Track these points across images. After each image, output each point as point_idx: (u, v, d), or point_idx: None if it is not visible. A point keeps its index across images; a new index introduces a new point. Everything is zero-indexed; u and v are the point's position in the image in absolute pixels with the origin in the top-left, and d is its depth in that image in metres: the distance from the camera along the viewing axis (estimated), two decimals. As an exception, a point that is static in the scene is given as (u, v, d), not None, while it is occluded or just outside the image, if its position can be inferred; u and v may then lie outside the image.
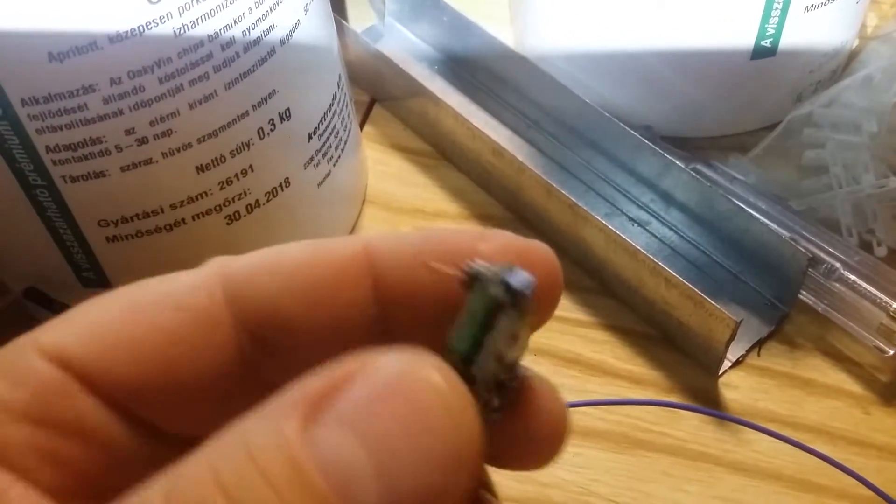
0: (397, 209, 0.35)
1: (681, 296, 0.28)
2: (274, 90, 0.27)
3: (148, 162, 0.25)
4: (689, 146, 0.35)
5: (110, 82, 0.23)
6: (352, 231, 0.35)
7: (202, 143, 0.26)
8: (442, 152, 0.37)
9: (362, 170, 0.36)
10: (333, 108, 0.30)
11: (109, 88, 0.23)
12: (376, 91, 0.39)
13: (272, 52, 0.26)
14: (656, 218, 0.34)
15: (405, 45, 0.41)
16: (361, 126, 0.38)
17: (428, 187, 0.36)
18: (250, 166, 0.27)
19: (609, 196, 0.34)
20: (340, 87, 0.31)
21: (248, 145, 0.27)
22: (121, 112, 0.24)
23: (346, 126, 0.32)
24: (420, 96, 0.36)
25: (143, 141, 0.25)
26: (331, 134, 0.30)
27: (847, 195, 0.32)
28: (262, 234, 0.29)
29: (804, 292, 0.30)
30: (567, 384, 0.30)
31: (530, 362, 0.30)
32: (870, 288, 0.29)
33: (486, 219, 0.35)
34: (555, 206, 0.32)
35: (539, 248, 0.14)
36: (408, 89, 0.37)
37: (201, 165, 0.26)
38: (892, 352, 0.29)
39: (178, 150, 0.25)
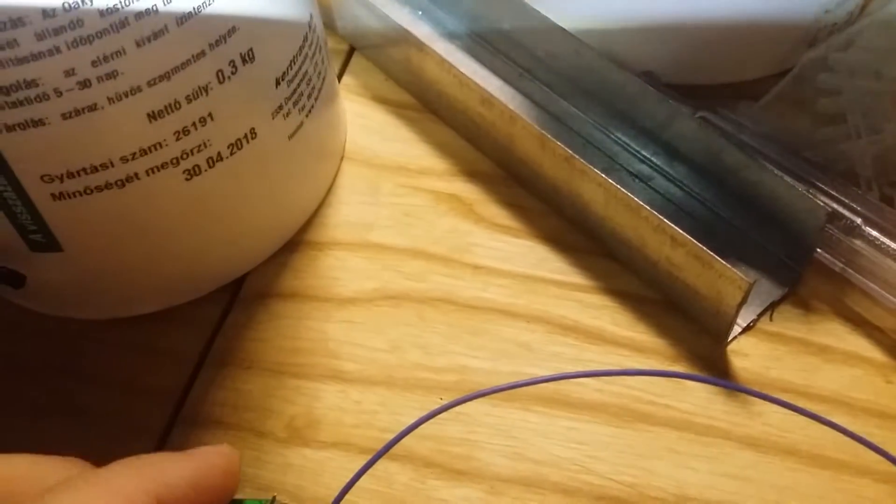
0: (379, 166, 0.33)
1: (688, 255, 0.26)
2: (234, 27, 0.24)
3: (92, 108, 0.22)
4: (695, 94, 0.32)
5: (42, 14, 0.20)
6: (330, 189, 0.32)
7: (153, 87, 0.23)
8: (427, 104, 0.34)
9: (340, 123, 0.33)
10: (304, 52, 0.28)
11: (42, 21, 0.20)
12: (355, 38, 0.37)
13: (230, -17, 0.23)
14: (659, 172, 0.31)
15: (387, -11, 0.38)
16: (339, 76, 0.36)
17: (412, 142, 0.33)
18: (209, 114, 0.25)
19: (607, 149, 0.32)
20: (312, 28, 0.28)
21: (206, 90, 0.24)
22: (58, 50, 0.21)
23: (319, 73, 0.29)
24: (403, 43, 0.33)
25: (85, 84, 0.22)
26: (302, 80, 0.28)
27: (866, 146, 0.30)
28: (227, 190, 0.27)
29: (820, 251, 0.28)
30: (563, 353, 0.27)
31: (523, 330, 0.28)
32: (893, 244, 0.27)
33: (474, 175, 0.32)
34: (549, 160, 0.29)
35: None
36: (389, 35, 0.34)
37: (153, 112, 0.23)
38: (916, 315, 0.26)
39: (126, 95, 0.23)
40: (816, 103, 0.31)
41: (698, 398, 0.26)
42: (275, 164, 0.28)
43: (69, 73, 0.22)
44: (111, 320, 0.29)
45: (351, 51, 0.37)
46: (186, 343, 0.28)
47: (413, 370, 0.27)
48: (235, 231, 0.28)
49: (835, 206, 0.28)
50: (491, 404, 0.26)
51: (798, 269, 0.28)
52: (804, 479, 0.25)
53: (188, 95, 0.24)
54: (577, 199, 0.29)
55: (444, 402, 0.26)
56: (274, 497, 0.23)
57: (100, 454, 0.26)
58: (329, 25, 0.37)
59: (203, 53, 0.23)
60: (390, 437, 0.26)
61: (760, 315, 0.28)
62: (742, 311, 0.27)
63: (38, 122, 0.22)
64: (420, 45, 0.32)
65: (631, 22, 0.32)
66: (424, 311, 0.29)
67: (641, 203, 0.26)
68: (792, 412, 0.26)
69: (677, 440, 0.26)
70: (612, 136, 0.32)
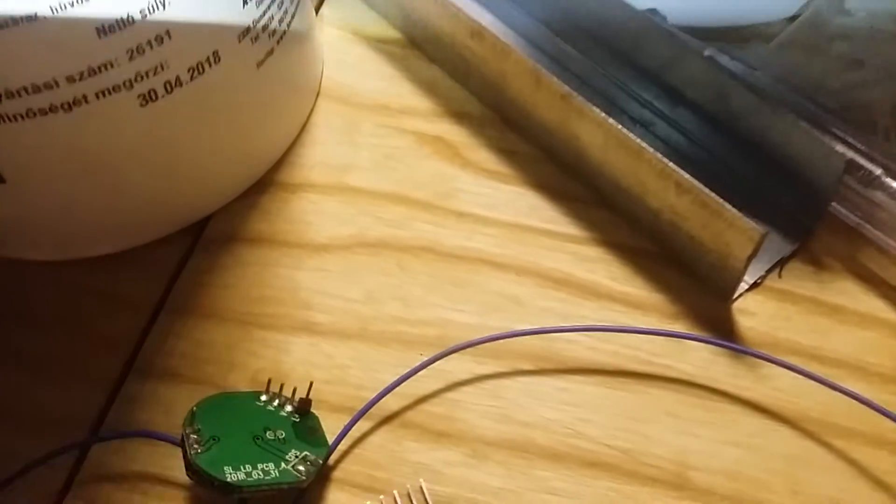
0: (358, 104, 0.30)
1: (693, 203, 0.24)
2: (196, -67, 0.21)
3: (32, 18, 0.20)
4: (700, 36, 0.29)
5: None
6: (304, 126, 0.29)
7: (103, -4, 0.20)
8: (411, 39, 0.32)
9: (315, 55, 0.30)
10: (277, -31, 0.25)
11: (-31, -89, 0.18)
12: (336, -32, 0.34)
13: None
14: (661, 117, 0.29)
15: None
16: (317, 8, 0.33)
17: (394, 80, 0.31)
18: (167, 32, 0.22)
19: (606, 92, 0.29)
20: (286, -56, 0.25)
21: (163, 4, 0.21)
22: (-11, -53, 0.18)
23: (293, -4, 0.26)
24: (386, -28, 0.30)
25: (23, -11, 0.19)
26: (272, 2, 0.25)
27: (885, 92, 0.28)
28: (187, 120, 0.24)
29: (835, 204, 0.26)
30: (554, 308, 0.25)
31: (511, 282, 0.26)
32: (915, 198, 0.24)
33: (461, 116, 0.30)
34: (544, 99, 0.27)
35: None
36: (372, -36, 0.31)
37: (103, 27, 0.21)
38: (936, 274, 0.24)
39: (72, 5, 0.20)
40: (832, 47, 0.29)
41: (701, 358, 0.24)
42: (241, 94, 0.25)
43: (4, -26, 0.19)
44: (60, 262, 0.26)
45: (330, -19, 0.34)
46: (142, 288, 0.26)
47: (390, 323, 0.25)
48: (198, 167, 0.26)
49: (853, 154, 0.25)
50: (476, 362, 0.24)
51: (810, 223, 0.26)
52: (814, 449, 0.23)
53: (142, 9, 0.21)
54: (572, 142, 0.27)
55: (425, 357, 0.24)
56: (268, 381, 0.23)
57: (47, 403, 0.24)
58: (307, -47, 0.34)
59: (160, -41, 0.21)
60: (363, 394, 0.23)
61: (769, 271, 0.26)
62: (749, 267, 0.25)
63: (-31, 32, 0.20)
64: (405, -27, 0.29)
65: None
66: (404, 260, 0.26)
67: (644, 146, 0.24)
68: (803, 377, 0.24)
69: (677, 404, 0.23)
70: (611, 78, 0.29)
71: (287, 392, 0.23)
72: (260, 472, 0.21)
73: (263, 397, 0.23)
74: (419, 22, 0.30)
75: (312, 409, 0.23)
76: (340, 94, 0.30)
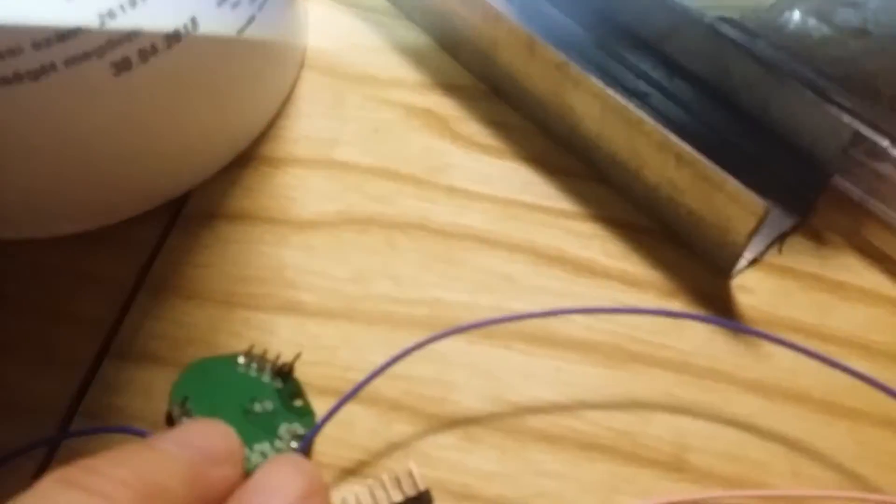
0: (344, 75, 0.29)
1: (695, 177, 0.23)
2: None
3: (-6, -22, 0.19)
4: (699, 4, 0.28)
5: None
6: (288, 98, 0.28)
7: (70, -43, 0.19)
8: (399, 7, 0.30)
9: (299, 24, 0.29)
10: (257, -69, 0.24)
11: None
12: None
13: None
14: (658, 88, 0.28)
15: None
16: (301, -25, 0.32)
17: (382, 51, 0.30)
18: (141, -5, 0.21)
19: (600, 62, 0.28)
20: None
21: (137, -36, 0.20)
22: None
23: (275, -40, 0.25)
24: (373, -63, 0.29)
25: (-16, -53, 0.18)
26: (254, -35, 0.24)
27: (892, 61, 0.27)
28: (164, 91, 0.23)
29: (837, 176, 0.25)
30: (549, 286, 0.24)
31: (504, 260, 0.25)
32: (920, 171, 0.24)
33: (452, 89, 0.29)
34: (538, 69, 0.26)
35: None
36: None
37: (72, -12, 0.20)
38: (942, 249, 0.23)
39: (37, -37, 0.19)
40: (836, 14, 0.28)
41: (699, 337, 0.23)
42: (221, 64, 0.24)
43: (-38, -70, 0.18)
44: (30, 240, 0.25)
45: (315, -53, 0.33)
46: (119, 268, 0.25)
47: (379, 302, 0.24)
48: (176, 140, 0.25)
49: (858, 125, 0.24)
50: (468, 341, 0.23)
51: (812, 196, 0.25)
52: (817, 430, 0.22)
53: (114, -31, 0.20)
54: (567, 114, 0.26)
55: (416, 339, 0.23)
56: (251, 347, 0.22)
57: (18, 388, 0.23)
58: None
59: (131, -83, 0.20)
60: (351, 375, 0.23)
61: (769, 247, 0.25)
62: (749, 243, 0.24)
63: (-73, -6, 0.18)
64: (392, -62, 0.28)
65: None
66: (393, 237, 0.25)
67: (644, 116, 0.23)
68: (804, 355, 0.23)
69: (675, 384, 0.23)
70: (606, 49, 0.28)
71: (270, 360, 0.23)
72: (259, 455, 0.20)
73: (241, 359, 0.22)
74: (407, -11, 0.29)
75: (296, 380, 0.22)
76: (326, 65, 0.29)
